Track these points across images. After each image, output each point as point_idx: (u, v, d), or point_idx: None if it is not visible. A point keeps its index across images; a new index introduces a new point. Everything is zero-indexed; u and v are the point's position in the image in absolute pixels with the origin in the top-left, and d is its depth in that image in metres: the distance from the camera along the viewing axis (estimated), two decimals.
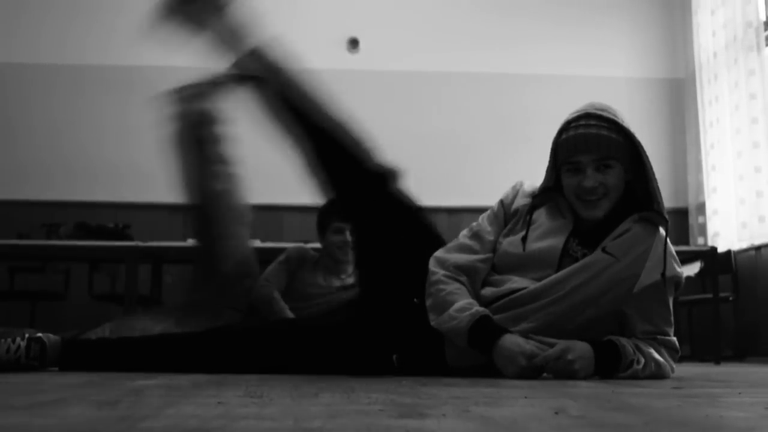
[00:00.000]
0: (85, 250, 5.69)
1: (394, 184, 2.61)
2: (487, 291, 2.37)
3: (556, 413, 1.18)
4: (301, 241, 5.30)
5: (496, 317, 2.26)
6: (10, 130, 7.31)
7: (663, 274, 2.30)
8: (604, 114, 2.33)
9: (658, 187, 2.35)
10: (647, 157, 2.34)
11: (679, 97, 7.61)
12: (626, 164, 2.33)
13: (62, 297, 6.73)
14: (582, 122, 2.32)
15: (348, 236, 3.92)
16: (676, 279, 2.34)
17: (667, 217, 2.35)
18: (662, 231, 2.36)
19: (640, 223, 2.34)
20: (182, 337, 2.71)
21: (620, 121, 2.33)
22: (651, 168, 2.34)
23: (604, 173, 2.30)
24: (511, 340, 2.17)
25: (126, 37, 7.48)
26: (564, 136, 2.35)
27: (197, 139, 3.19)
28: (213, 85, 3.05)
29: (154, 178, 7.23)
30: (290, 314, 3.97)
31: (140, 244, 5.51)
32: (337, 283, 4.03)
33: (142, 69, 7.37)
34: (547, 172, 2.45)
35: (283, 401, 1.33)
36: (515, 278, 2.35)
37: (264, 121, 2.67)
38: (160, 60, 7.42)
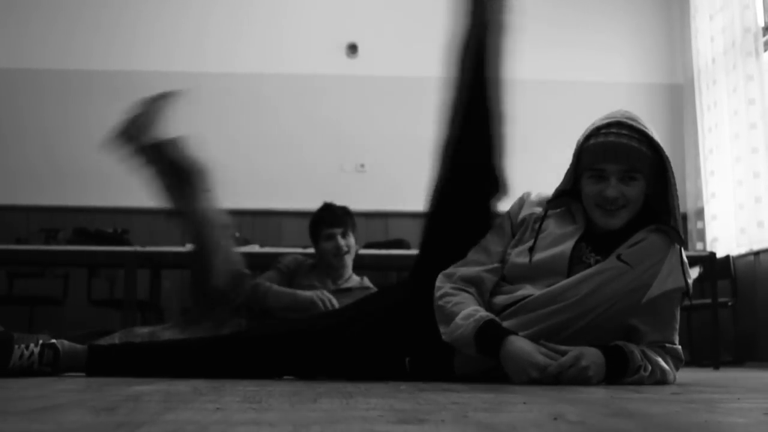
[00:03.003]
0: (83, 255, 5.69)
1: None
2: (499, 299, 2.35)
3: (555, 419, 1.18)
4: (299, 246, 5.30)
5: (507, 323, 2.25)
6: (9, 136, 7.31)
7: (687, 292, 2.31)
8: (635, 124, 2.30)
9: (678, 205, 2.33)
10: (673, 173, 2.31)
11: (677, 102, 7.61)
12: (649, 178, 2.31)
13: (61, 302, 6.73)
14: (613, 130, 2.29)
15: (340, 241, 3.90)
16: (688, 290, 2.34)
17: (682, 235, 2.33)
18: (677, 245, 2.35)
19: (655, 233, 2.32)
20: (215, 340, 2.70)
21: (651, 133, 2.31)
22: (675, 185, 2.32)
23: (627, 185, 2.27)
24: (519, 346, 2.16)
25: (125, 42, 7.51)
26: (592, 141, 2.31)
27: (170, 167, 3.32)
28: (148, 114, 3.26)
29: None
30: (286, 289, 3.94)
31: (139, 249, 5.51)
32: (332, 286, 4.02)
33: (142, 74, 7.38)
34: (566, 174, 2.42)
35: (282, 407, 1.33)
36: (527, 286, 2.34)
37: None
38: (158, 65, 7.45)
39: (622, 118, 2.32)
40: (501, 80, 2.66)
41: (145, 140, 3.35)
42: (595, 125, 2.34)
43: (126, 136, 3.36)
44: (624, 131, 2.28)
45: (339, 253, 3.89)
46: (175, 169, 3.38)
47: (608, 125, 2.31)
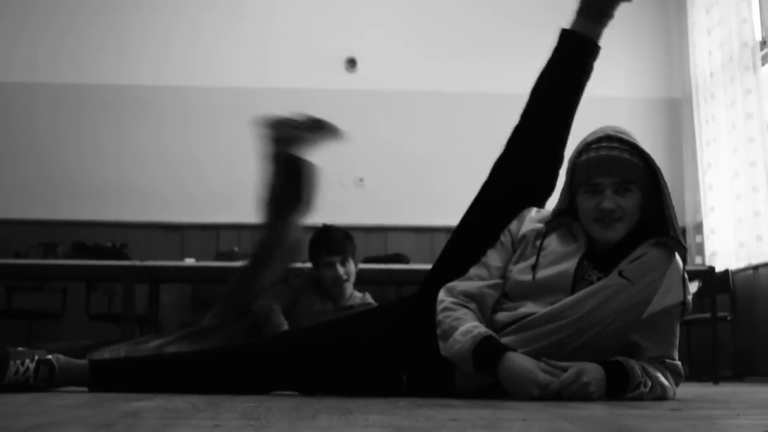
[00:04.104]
0: (82, 269, 5.69)
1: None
2: (501, 316, 2.35)
3: None
4: (298, 261, 5.29)
5: (508, 339, 2.25)
6: (8, 150, 7.32)
7: (683, 301, 2.31)
8: (624, 137, 2.32)
9: (674, 214, 2.33)
10: (665, 183, 2.32)
11: (676, 116, 7.63)
12: (644, 190, 2.32)
13: (59, 316, 6.72)
14: (604, 144, 2.31)
15: (339, 270, 3.83)
16: (687, 305, 2.34)
17: (684, 244, 2.33)
18: (678, 257, 2.35)
19: (656, 247, 2.32)
20: (215, 354, 2.69)
21: (640, 145, 2.33)
22: (668, 194, 2.33)
23: (623, 196, 2.28)
24: (518, 363, 2.15)
25: (124, 57, 7.52)
26: (584, 157, 2.33)
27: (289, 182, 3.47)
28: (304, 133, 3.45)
29: (151, 198, 7.26)
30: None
31: (137, 263, 5.50)
32: (332, 307, 4.00)
33: (140, 88, 7.39)
34: (562, 193, 2.43)
35: (281, 423, 1.33)
36: (529, 303, 2.33)
37: None
38: (157, 79, 7.46)
39: (611, 131, 2.35)
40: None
41: (286, 148, 3.48)
42: (585, 141, 2.36)
43: (275, 131, 3.51)
44: (614, 144, 2.31)
45: (338, 282, 3.84)
46: (292, 187, 3.47)
47: (598, 140, 2.33)
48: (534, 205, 2.55)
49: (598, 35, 2.64)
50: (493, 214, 2.55)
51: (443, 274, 2.51)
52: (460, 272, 2.47)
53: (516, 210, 2.54)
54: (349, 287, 3.90)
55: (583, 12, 2.62)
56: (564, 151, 2.59)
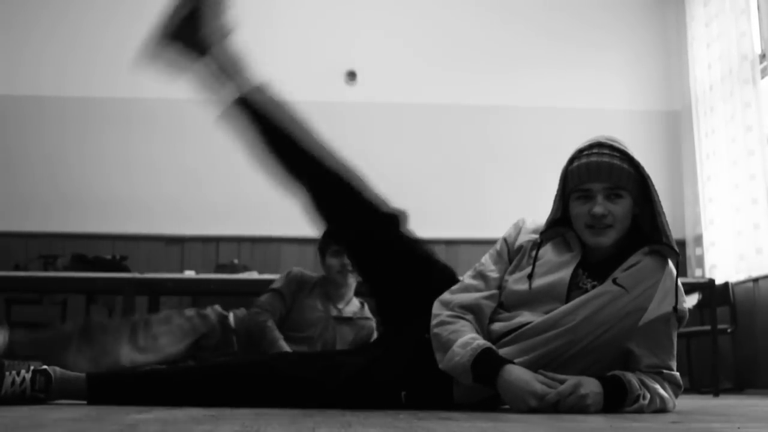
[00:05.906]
0: (82, 281, 5.68)
1: (401, 226, 2.63)
2: (497, 326, 2.35)
3: None
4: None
5: (504, 350, 2.25)
6: (8, 162, 7.32)
7: (674, 308, 2.31)
8: (616, 145, 2.35)
9: (666, 222, 2.34)
10: (656, 191, 2.33)
11: (675, 129, 7.64)
12: (635, 197, 2.33)
13: None
14: (595, 150, 2.33)
15: (346, 259, 3.89)
16: (682, 313, 2.34)
17: (677, 250, 2.34)
18: (671, 265, 2.35)
19: (650, 255, 2.33)
20: (213, 368, 2.69)
21: (631, 153, 2.34)
22: (659, 202, 2.34)
23: (613, 202, 2.30)
24: (517, 375, 2.15)
25: (125, 70, 7.52)
26: (576, 164, 2.35)
27: None
28: None
29: (151, 210, 7.26)
30: (284, 344, 3.94)
31: (137, 275, 5.50)
32: (334, 312, 4.01)
33: (141, 101, 7.40)
34: (555, 201, 2.45)
35: None
36: (524, 313, 2.34)
37: (263, 159, 2.74)
38: (158, 92, 7.46)
39: (603, 139, 2.37)
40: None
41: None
42: (578, 148, 2.38)
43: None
44: (606, 151, 2.33)
45: (344, 270, 3.88)
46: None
47: (590, 146, 2.36)
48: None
49: None
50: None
51: (394, 306, 2.61)
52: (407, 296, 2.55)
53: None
54: (352, 281, 3.93)
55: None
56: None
